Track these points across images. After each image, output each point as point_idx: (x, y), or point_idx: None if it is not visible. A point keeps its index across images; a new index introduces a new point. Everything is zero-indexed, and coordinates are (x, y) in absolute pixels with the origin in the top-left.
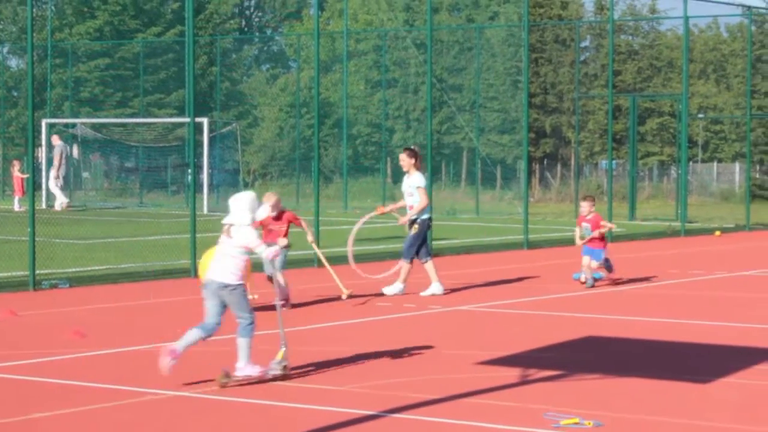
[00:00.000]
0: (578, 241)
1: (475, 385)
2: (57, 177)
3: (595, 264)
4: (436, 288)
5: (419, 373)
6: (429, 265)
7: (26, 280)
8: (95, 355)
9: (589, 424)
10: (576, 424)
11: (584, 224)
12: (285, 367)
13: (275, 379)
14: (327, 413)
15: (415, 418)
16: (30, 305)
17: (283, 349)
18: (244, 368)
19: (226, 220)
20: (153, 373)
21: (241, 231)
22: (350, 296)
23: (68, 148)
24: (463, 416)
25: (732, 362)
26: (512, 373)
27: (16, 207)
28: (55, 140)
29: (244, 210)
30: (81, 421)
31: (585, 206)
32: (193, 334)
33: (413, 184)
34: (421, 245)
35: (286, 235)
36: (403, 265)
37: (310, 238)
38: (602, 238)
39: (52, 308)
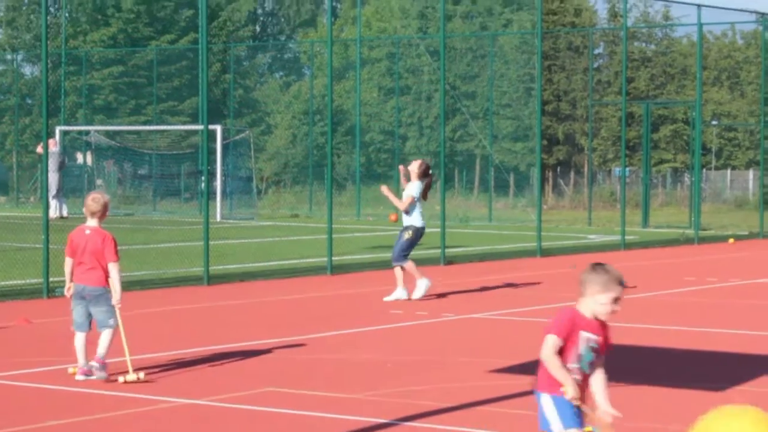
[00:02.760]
0: None
1: (488, 393)
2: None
3: None
4: (400, 293)
5: (431, 381)
6: (398, 271)
7: (40, 287)
8: (108, 362)
9: None
10: None
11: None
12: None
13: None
14: (338, 421)
15: (427, 426)
16: (44, 313)
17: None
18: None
19: None
20: (165, 381)
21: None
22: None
23: (65, 155)
24: (475, 425)
25: (747, 370)
26: (524, 381)
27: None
28: (51, 145)
29: None
30: (95, 429)
31: None
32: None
33: (406, 192)
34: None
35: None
36: (403, 269)
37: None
38: None
39: (66, 316)
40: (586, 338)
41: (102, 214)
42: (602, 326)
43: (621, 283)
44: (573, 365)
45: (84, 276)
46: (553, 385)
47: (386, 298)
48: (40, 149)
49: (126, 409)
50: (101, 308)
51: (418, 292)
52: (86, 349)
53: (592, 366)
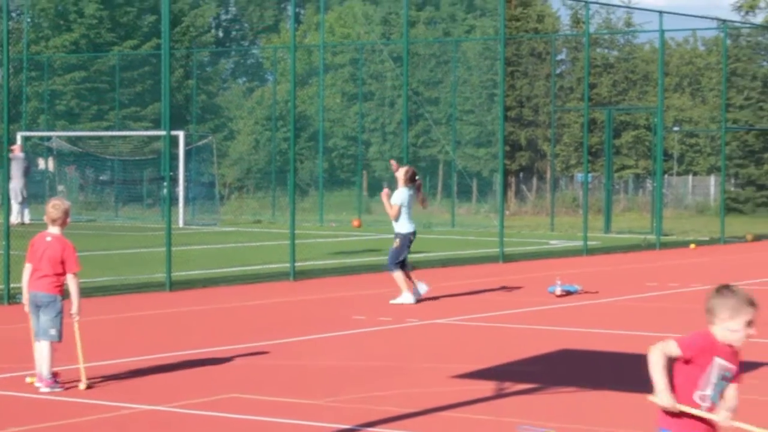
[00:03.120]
0: None
1: (450, 398)
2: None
3: None
4: (407, 297)
5: (394, 386)
6: (399, 275)
7: (1, 293)
8: (69, 369)
9: None
10: None
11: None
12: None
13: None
14: (301, 427)
15: None
16: (4, 320)
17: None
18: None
19: None
20: (128, 387)
21: None
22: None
23: (27, 161)
24: (437, 430)
25: None
26: (487, 387)
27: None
28: (16, 150)
29: None
30: None
31: None
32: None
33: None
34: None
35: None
36: (395, 276)
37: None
38: None
39: (27, 322)
40: (720, 365)
41: (63, 221)
42: (735, 354)
43: (752, 304)
44: (705, 392)
45: (37, 283)
46: (679, 423)
47: (392, 301)
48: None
49: (87, 415)
50: (48, 316)
51: (398, 299)
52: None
53: (720, 396)
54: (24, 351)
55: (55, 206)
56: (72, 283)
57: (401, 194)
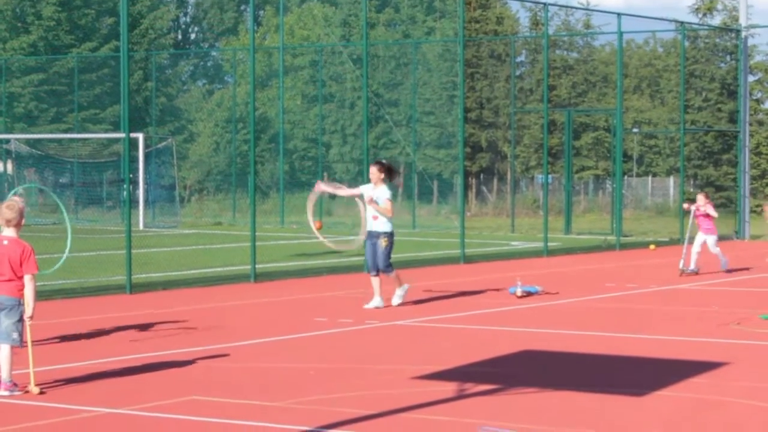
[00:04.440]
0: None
1: (411, 400)
2: None
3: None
4: (378, 301)
5: (355, 388)
6: (377, 280)
7: None
8: (27, 372)
9: None
10: None
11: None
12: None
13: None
14: (265, 429)
15: None
16: None
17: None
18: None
19: None
20: (87, 390)
21: None
22: (41, 393)
23: None
24: (399, 431)
25: (666, 375)
26: (448, 388)
27: None
28: None
29: None
30: None
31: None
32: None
33: (381, 197)
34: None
35: None
36: (392, 277)
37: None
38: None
39: None
40: None
41: (18, 221)
42: None
43: None
44: None
45: (0, 286)
46: None
47: (366, 306)
48: None
49: (47, 419)
50: (11, 320)
51: (372, 303)
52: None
53: None
54: None
55: (9, 206)
56: (29, 285)
57: (387, 191)
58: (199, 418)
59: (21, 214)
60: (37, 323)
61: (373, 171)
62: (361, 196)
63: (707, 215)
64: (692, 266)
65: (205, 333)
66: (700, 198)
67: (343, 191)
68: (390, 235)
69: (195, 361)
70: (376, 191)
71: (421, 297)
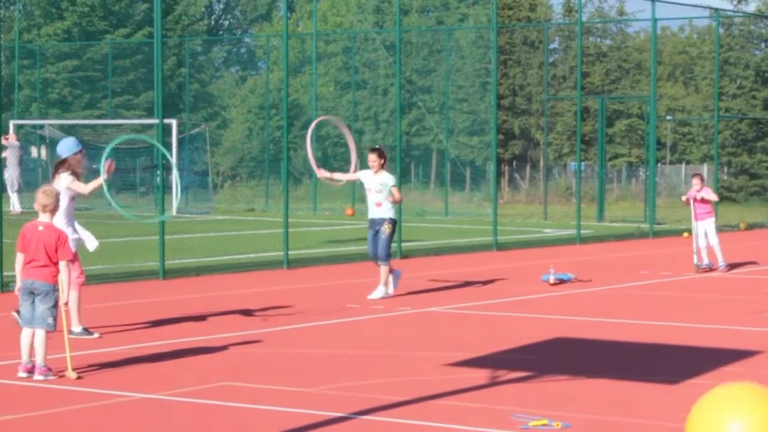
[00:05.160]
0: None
1: (444, 386)
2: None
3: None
4: (382, 291)
5: (388, 374)
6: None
7: None
8: (61, 357)
9: (558, 425)
10: (544, 425)
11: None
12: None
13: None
14: (297, 415)
15: (384, 420)
16: None
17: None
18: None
19: None
20: (121, 375)
21: None
22: (78, 378)
23: (21, 148)
24: (431, 418)
25: (701, 363)
26: (481, 375)
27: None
28: (12, 138)
29: None
30: (48, 423)
31: (696, 182)
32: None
33: (387, 183)
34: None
35: None
36: (384, 269)
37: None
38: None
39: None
40: None
41: (54, 207)
42: None
43: None
44: None
45: (34, 272)
46: None
47: (370, 296)
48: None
49: (81, 403)
50: (46, 305)
51: (377, 293)
52: (31, 346)
53: None
54: (17, 339)
55: (45, 192)
56: (64, 271)
57: (392, 177)
58: (231, 404)
59: (57, 200)
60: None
61: (373, 158)
62: (359, 182)
63: (703, 200)
64: (706, 261)
65: (237, 319)
66: (696, 182)
67: (339, 175)
68: (393, 222)
69: (227, 346)
70: (378, 178)
71: (453, 283)
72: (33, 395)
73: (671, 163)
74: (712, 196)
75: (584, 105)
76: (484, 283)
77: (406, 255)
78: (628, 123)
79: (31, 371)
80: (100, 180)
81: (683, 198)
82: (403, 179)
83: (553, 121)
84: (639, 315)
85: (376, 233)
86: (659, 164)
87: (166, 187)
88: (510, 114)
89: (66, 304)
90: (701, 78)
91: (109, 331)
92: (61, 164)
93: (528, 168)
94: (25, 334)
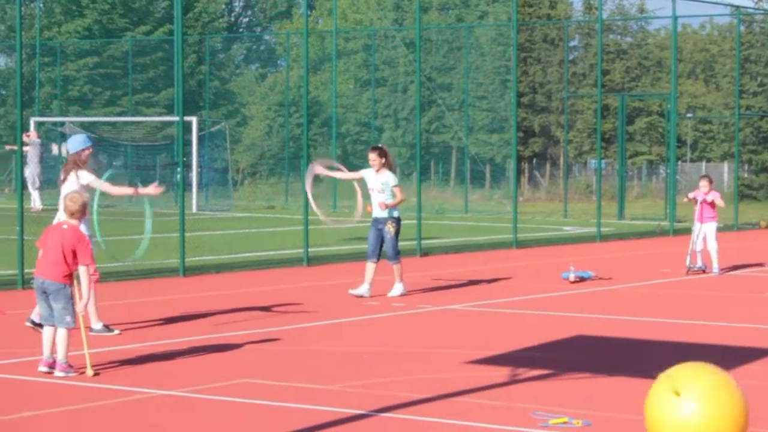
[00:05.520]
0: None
1: (464, 384)
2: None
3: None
4: (365, 289)
5: (408, 372)
6: (373, 268)
7: (15, 278)
8: (81, 354)
9: (578, 423)
10: (565, 423)
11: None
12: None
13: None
14: (317, 412)
15: (404, 417)
16: (18, 304)
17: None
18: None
19: None
20: (141, 372)
21: None
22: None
23: (42, 146)
24: (451, 416)
25: (722, 362)
26: (501, 373)
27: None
28: (33, 136)
29: None
30: (70, 419)
31: (704, 184)
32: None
33: (388, 183)
34: (382, 244)
35: None
36: (396, 267)
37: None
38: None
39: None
40: None
41: (81, 213)
42: None
43: None
44: None
45: (46, 269)
46: None
47: (390, 294)
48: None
49: (102, 400)
50: (59, 304)
51: (359, 290)
52: (52, 342)
53: None
54: (38, 335)
55: (72, 199)
56: (84, 275)
57: (394, 176)
58: (251, 401)
59: (84, 207)
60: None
61: (372, 157)
62: (361, 181)
63: (712, 204)
64: (699, 263)
65: (257, 316)
66: (704, 184)
67: (341, 174)
68: (397, 221)
69: (247, 343)
70: (379, 178)
71: (473, 281)
72: (53, 392)
73: (692, 161)
74: (721, 202)
75: (604, 102)
76: (504, 280)
77: (425, 252)
78: (649, 121)
79: (51, 366)
80: (131, 191)
81: (689, 195)
82: (422, 177)
83: (573, 118)
84: (659, 313)
85: (378, 231)
86: (679, 162)
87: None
88: (530, 111)
89: (84, 308)
90: (722, 75)
91: (129, 328)
92: (77, 161)
93: (548, 166)
94: (47, 330)
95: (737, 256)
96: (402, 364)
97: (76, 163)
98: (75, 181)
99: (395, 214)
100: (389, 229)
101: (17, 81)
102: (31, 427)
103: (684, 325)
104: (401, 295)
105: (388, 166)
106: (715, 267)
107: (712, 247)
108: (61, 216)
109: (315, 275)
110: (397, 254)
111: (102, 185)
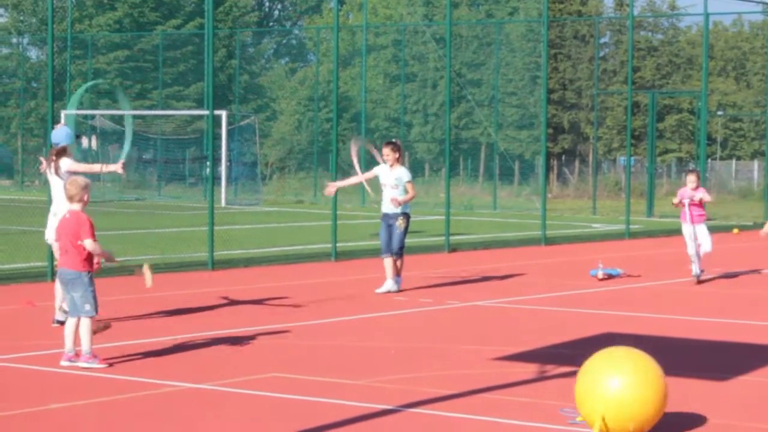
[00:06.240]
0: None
1: (491, 380)
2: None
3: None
4: (390, 285)
5: (434, 368)
6: (390, 263)
7: (44, 271)
8: (113, 346)
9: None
10: None
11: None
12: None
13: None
14: (344, 407)
15: (430, 413)
16: (48, 296)
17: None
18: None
19: None
20: (171, 365)
21: None
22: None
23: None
24: (478, 412)
25: (751, 360)
26: (528, 369)
27: None
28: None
29: None
30: (99, 411)
31: (692, 179)
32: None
33: (402, 178)
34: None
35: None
36: (394, 261)
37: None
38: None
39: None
40: None
41: (80, 197)
42: None
43: None
44: None
45: (62, 259)
46: None
47: (379, 290)
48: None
49: (130, 392)
50: (76, 293)
51: (384, 287)
52: (74, 334)
53: None
54: (62, 327)
55: (71, 183)
56: (91, 246)
57: (407, 172)
58: (280, 395)
59: (83, 190)
60: (119, 299)
61: (387, 151)
62: (376, 179)
63: (701, 202)
64: (700, 268)
65: (285, 311)
66: (692, 179)
67: (356, 178)
68: (407, 217)
69: (276, 338)
70: (393, 173)
71: (501, 277)
72: (81, 383)
73: (722, 158)
74: (708, 197)
75: (634, 100)
76: (532, 277)
77: (454, 248)
78: (679, 118)
79: (73, 360)
80: (98, 168)
81: (675, 199)
82: (451, 173)
83: (602, 115)
84: (688, 311)
85: (389, 227)
86: (709, 160)
87: (215, 178)
88: (559, 108)
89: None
90: (753, 73)
91: (157, 321)
92: (63, 151)
93: (577, 162)
94: (69, 322)
95: (766, 254)
96: (429, 360)
97: (60, 154)
98: (60, 174)
99: (406, 210)
100: (399, 224)
101: (48, 74)
102: (60, 419)
103: (713, 323)
104: (393, 291)
105: (401, 161)
106: (697, 268)
107: (709, 248)
108: (57, 208)
109: (343, 270)
110: (401, 249)
111: (76, 166)
